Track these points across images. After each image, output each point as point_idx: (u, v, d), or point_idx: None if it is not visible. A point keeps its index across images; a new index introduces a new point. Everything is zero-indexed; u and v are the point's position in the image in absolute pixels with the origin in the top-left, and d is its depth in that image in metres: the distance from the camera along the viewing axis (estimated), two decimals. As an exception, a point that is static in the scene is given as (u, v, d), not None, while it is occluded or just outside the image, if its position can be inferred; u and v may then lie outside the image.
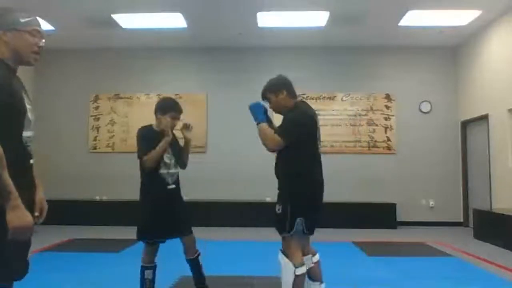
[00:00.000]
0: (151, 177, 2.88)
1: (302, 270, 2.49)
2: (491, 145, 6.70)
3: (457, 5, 6.08)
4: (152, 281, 2.92)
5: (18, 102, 1.61)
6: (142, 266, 2.91)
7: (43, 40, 1.72)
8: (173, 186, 2.95)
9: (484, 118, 6.89)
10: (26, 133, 1.65)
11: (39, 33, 1.70)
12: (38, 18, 1.75)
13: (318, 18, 6.53)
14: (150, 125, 3.01)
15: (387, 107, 7.88)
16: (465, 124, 7.66)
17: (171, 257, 3.37)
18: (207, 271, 3.62)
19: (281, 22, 6.71)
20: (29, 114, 1.68)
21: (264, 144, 2.60)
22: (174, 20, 6.63)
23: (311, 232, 2.65)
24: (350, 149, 7.81)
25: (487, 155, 6.78)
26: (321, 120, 8.21)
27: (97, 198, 7.72)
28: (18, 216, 1.44)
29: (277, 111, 2.77)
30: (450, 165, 7.73)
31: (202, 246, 3.20)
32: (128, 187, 7.95)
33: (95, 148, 8.02)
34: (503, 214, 5.58)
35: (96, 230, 6.70)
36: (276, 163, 2.72)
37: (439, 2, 5.95)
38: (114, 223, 7.15)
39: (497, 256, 4.86)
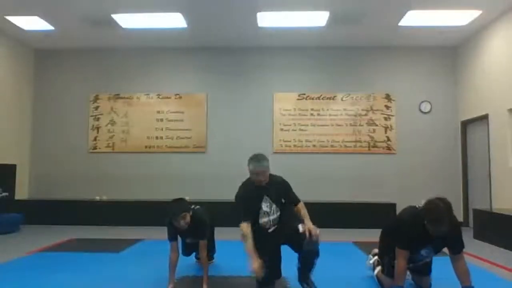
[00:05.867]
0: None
1: None
2: (491, 145, 6.70)
3: (457, 5, 6.09)
4: None
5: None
6: None
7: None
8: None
9: (484, 118, 6.89)
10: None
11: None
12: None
13: (318, 18, 6.53)
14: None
15: (387, 107, 7.89)
16: (465, 124, 7.66)
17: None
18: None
19: (281, 22, 6.71)
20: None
21: None
22: (174, 20, 6.64)
23: None
24: (350, 149, 7.82)
25: (487, 155, 6.78)
26: (321, 120, 8.24)
27: (97, 198, 7.72)
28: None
29: None
30: (450, 165, 7.73)
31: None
32: (128, 187, 8.01)
33: (95, 148, 8.02)
34: (503, 214, 5.58)
35: (96, 230, 6.69)
36: None
37: (439, 2, 5.96)
38: (114, 223, 7.17)
39: (497, 256, 4.86)
